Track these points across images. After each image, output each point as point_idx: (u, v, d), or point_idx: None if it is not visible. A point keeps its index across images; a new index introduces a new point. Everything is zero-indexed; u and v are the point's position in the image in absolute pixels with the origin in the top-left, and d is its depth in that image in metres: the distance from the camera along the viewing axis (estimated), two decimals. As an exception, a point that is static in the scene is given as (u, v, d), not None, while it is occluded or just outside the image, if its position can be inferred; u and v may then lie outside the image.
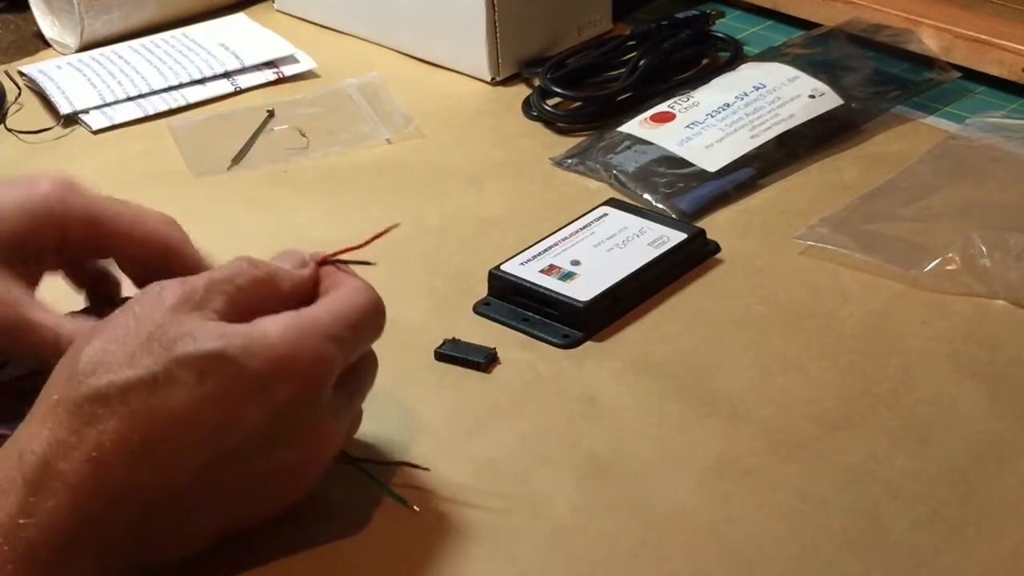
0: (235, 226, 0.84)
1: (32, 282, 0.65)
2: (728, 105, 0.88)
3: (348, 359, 0.58)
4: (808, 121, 0.88)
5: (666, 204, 0.82)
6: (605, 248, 0.77)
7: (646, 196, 0.83)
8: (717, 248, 0.79)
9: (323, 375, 0.57)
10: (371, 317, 0.59)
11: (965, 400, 0.67)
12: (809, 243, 0.78)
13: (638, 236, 0.77)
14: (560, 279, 0.74)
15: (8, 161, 0.93)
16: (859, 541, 0.59)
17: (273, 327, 0.56)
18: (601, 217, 0.79)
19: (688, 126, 0.87)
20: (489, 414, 0.67)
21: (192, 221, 0.81)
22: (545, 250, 0.77)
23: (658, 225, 0.78)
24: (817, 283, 0.76)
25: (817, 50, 0.95)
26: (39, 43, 1.07)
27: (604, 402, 0.68)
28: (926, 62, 0.95)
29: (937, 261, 0.75)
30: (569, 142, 0.90)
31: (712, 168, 0.84)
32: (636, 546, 0.59)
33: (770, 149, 0.86)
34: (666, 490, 0.63)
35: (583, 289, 0.73)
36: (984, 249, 0.74)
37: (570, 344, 0.72)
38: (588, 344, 0.72)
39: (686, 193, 0.82)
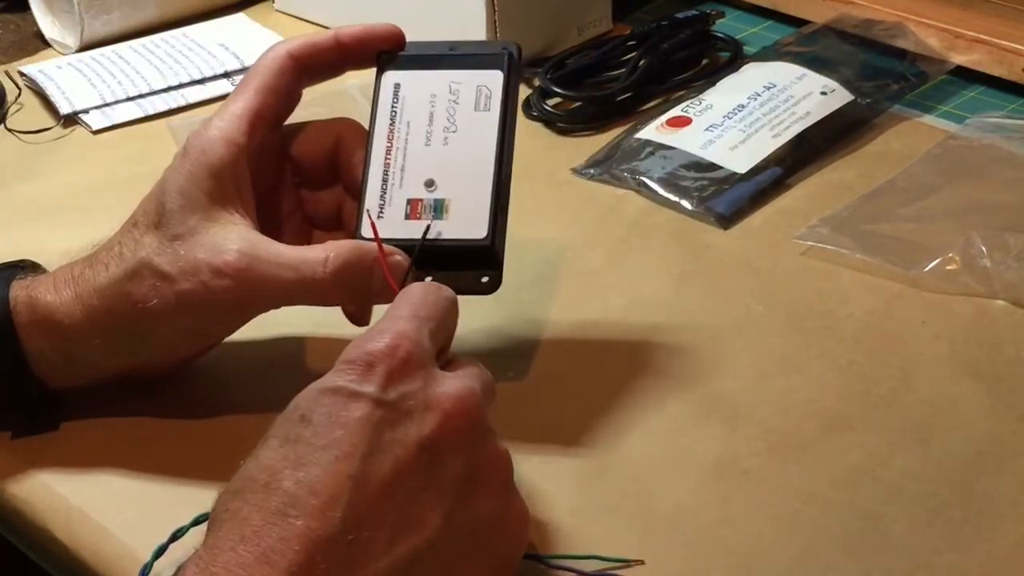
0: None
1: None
2: (743, 106, 0.88)
3: None
4: (824, 117, 0.88)
5: (702, 208, 0.81)
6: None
7: (683, 202, 0.82)
8: None
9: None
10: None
11: (965, 400, 0.67)
12: (809, 243, 0.78)
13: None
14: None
15: (8, 161, 0.93)
16: (859, 541, 0.59)
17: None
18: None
19: (707, 129, 0.87)
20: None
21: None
22: None
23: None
24: (817, 283, 0.76)
25: (812, 48, 0.95)
26: (39, 43, 1.07)
27: (605, 402, 0.68)
28: (920, 54, 0.95)
29: (937, 261, 0.75)
30: (570, 142, 0.90)
31: (741, 169, 0.84)
32: (636, 546, 0.59)
33: (791, 147, 0.86)
34: (666, 490, 0.63)
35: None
36: (984, 249, 0.74)
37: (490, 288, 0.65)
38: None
39: (720, 196, 0.82)
